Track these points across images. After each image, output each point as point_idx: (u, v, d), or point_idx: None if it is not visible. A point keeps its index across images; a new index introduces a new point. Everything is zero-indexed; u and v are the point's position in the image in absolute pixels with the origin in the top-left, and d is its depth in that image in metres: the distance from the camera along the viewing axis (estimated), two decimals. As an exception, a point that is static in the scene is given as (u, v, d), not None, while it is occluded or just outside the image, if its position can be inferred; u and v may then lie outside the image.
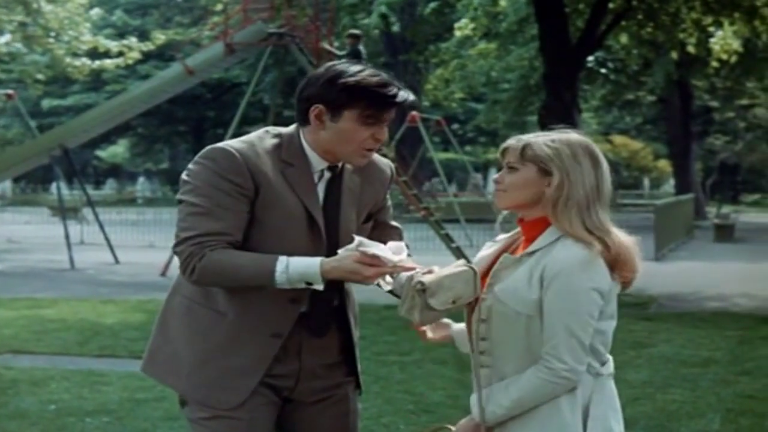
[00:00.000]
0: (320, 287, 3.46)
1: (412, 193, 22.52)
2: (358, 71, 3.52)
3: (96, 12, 44.03)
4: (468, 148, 57.74)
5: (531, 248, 3.34)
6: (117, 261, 21.59)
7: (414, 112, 29.83)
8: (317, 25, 23.42)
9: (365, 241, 3.43)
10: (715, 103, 48.40)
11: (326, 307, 3.70)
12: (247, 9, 23.70)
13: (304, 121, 3.59)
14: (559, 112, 16.06)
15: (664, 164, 54.49)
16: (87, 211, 26.91)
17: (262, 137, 3.63)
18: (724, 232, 28.99)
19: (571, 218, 3.29)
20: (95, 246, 23.67)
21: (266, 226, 3.54)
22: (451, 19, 30.94)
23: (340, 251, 3.44)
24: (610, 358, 3.45)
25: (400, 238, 3.83)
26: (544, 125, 16.20)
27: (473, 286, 3.35)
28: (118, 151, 65.62)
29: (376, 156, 3.78)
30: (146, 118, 47.46)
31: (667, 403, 8.50)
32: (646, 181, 59.06)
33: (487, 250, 3.59)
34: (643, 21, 20.92)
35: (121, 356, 10.57)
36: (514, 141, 3.42)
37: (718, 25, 21.34)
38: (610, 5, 17.73)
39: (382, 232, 3.82)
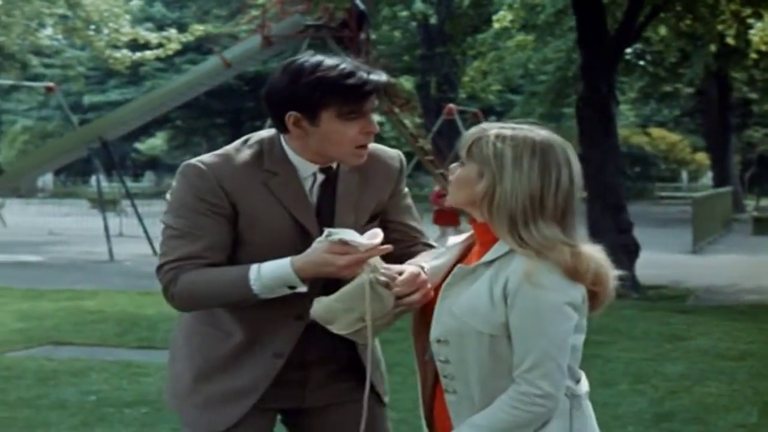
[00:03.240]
0: (304, 289, 3.19)
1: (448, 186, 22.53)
2: (316, 65, 3.19)
3: (135, 4, 44.34)
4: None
5: (487, 257, 2.97)
6: (155, 253, 21.67)
7: (451, 105, 29.87)
8: (355, 18, 23.45)
9: (333, 229, 3.16)
10: (754, 95, 48.01)
11: None
12: (284, 1, 23.78)
13: (282, 129, 3.29)
14: (596, 104, 16.03)
15: (702, 157, 54.17)
16: (126, 203, 27.09)
17: (239, 148, 3.35)
18: (763, 225, 28.79)
19: (503, 229, 2.94)
20: (134, 238, 23.82)
21: (253, 246, 3.29)
22: (488, 11, 30.90)
23: (317, 240, 3.18)
24: (583, 374, 3.09)
25: (423, 243, 3.54)
26: (581, 117, 16.20)
27: (379, 300, 3.08)
28: (156, 143, 65.97)
29: (381, 149, 3.49)
30: (184, 110, 47.60)
31: (704, 396, 8.49)
32: (684, 174, 58.75)
33: (439, 259, 3.23)
34: (681, 13, 20.80)
35: (159, 347, 10.64)
36: (474, 130, 3.06)
37: (758, 16, 21.19)
38: (648, -3, 17.65)
39: (399, 235, 3.48)
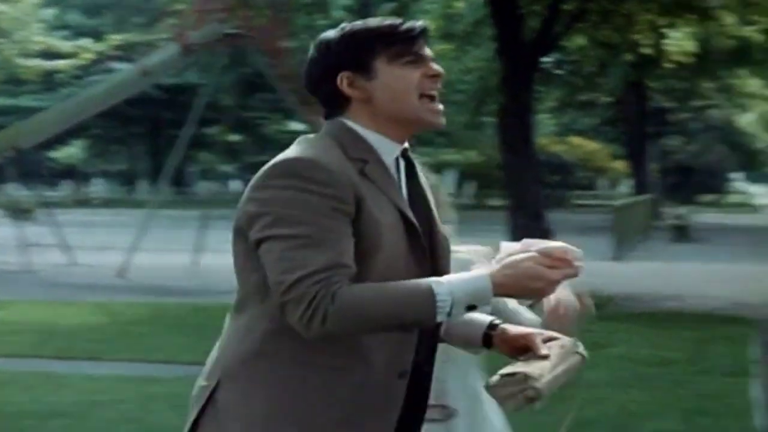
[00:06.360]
0: (488, 308, 2.61)
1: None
2: (351, 26, 2.81)
3: (50, 12, 43.76)
4: (426, 149, 57.81)
5: None
6: (72, 262, 21.40)
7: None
8: (274, 26, 23.39)
9: (531, 240, 2.65)
10: (671, 105, 48.74)
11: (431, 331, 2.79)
12: (202, 10, 23.61)
13: (340, 105, 2.77)
14: (515, 113, 16.12)
15: (620, 165, 54.80)
16: (40, 212, 26.67)
17: (312, 140, 2.75)
18: (681, 233, 29.16)
19: None
20: (49, 247, 23.44)
21: (379, 256, 2.62)
22: (406, 20, 30.99)
23: (498, 258, 2.63)
24: None
25: None
26: (501, 126, 16.28)
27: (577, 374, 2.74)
28: (72, 152, 65.22)
29: None
30: (102, 119, 47.03)
31: (626, 403, 8.54)
32: (603, 182, 59.37)
33: None
34: (598, 23, 20.99)
35: (79, 358, 10.50)
36: None
37: (673, 26, 21.44)
38: (565, 7, 17.78)
39: None
